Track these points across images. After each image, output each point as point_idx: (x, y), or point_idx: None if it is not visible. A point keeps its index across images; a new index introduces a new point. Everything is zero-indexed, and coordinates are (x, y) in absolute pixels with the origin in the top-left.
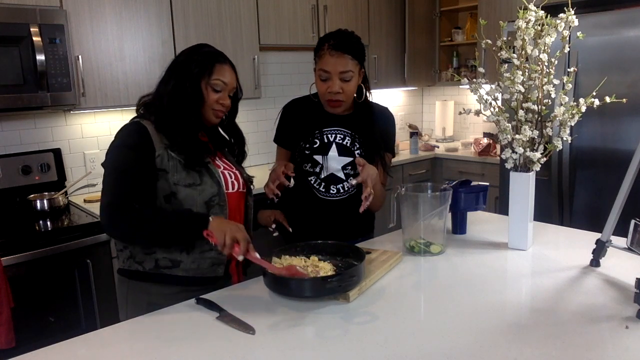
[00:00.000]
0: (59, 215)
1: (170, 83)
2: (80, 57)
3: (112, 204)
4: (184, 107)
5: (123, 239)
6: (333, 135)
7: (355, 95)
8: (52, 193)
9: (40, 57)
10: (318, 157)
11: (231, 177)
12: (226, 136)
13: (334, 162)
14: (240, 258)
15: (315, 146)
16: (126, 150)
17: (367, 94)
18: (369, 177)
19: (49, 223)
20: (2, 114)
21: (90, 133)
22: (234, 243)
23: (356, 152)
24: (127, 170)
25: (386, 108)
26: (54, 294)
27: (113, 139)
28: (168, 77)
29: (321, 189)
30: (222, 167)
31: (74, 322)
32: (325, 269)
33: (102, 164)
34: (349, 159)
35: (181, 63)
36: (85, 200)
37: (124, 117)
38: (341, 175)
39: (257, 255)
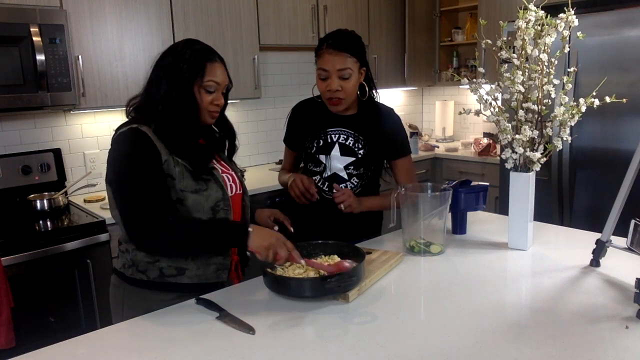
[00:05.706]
0: (59, 215)
1: (162, 87)
2: (80, 57)
3: (142, 220)
4: (179, 115)
5: (157, 253)
6: (336, 135)
7: (358, 93)
8: (52, 193)
9: (40, 57)
10: (321, 157)
11: (229, 180)
12: (217, 130)
13: (337, 161)
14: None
15: (319, 146)
16: (135, 160)
17: (373, 93)
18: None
19: (49, 223)
20: (2, 114)
21: (90, 133)
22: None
23: (359, 152)
24: (145, 180)
25: (392, 109)
26: (54, 294)
27: (113, 149)
28: (158, 79)
29: (325, 187)
30: (220, 171)
31: (74, 322)
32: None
33: (107, 179)
34: (352, 159)
35: (170, 65)
36: (85, 200)
37: (124, 117)
38: (344, 174)
39: (302, 262)
